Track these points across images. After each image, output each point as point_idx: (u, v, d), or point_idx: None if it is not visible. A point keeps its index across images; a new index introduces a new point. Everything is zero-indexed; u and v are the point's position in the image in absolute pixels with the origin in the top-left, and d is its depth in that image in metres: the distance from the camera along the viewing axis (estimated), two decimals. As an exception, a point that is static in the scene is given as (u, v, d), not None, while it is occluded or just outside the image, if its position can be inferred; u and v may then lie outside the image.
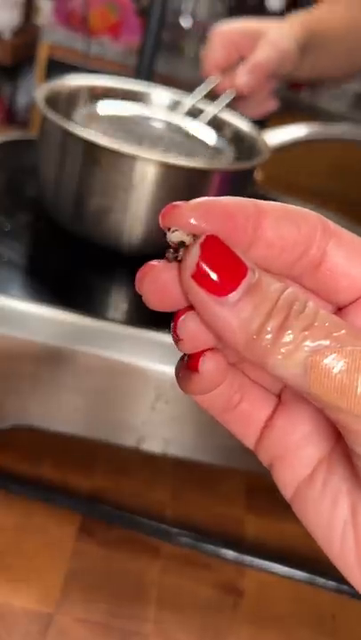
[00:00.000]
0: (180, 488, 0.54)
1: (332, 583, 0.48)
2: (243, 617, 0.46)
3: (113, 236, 0.54)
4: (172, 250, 0.19)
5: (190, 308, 0.19)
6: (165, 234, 0.19)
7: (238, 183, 0.57)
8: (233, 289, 0.18)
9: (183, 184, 0.52)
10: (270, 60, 0.63)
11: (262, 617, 0.46)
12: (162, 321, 0.56)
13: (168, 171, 0.51)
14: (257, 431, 0.23)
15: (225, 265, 0.18)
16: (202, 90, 0.65)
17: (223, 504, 0.54)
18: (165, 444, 0.48)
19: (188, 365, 0.20)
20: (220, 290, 0.18)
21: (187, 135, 0.61)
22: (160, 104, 0.65)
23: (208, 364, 0.20)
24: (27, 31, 2.27)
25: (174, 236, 0.19)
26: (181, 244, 0.19)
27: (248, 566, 0.48)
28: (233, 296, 0.18)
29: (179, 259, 0.19)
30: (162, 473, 0.55)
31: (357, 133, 0.70)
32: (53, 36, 2.16)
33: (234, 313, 0.18)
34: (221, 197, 0.19)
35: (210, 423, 0.47)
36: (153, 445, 0.48)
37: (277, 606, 0.47)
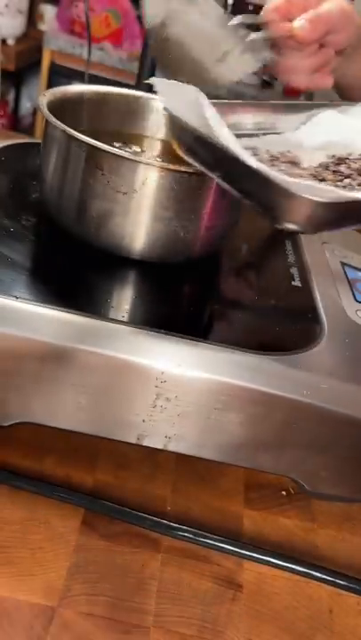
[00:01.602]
0: (181, 483, 0.55)
1: (328, 578, 0.49)
2: (242, 610, 0.46)
3: (115, 239, 0.55)
4: None
5: None
6: None
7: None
8: None
9: (185, 188, 0.53)
10: (334, 15, 0.60)
11: (261, 610, 0.47)
12: (162, 321, 0.56)
13: (170, 175, 0.53)
14: None
15: None
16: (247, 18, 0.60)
17: (223, 499, 0.54)
18: (166, 442, 0.49)
19: None
20: None
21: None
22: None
23: None
24: (30, 38, 2.29)
25: None
26: None
27: (246, 559, 0.49)
28: None
29: None
30: (163, 468, 0.55)
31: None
32: (56, 42, 2.18)
33: None
34: None
35: (210, 421, 0.48)
36: (154, 442, 0.49)
37: (275, 600, 0.48)
